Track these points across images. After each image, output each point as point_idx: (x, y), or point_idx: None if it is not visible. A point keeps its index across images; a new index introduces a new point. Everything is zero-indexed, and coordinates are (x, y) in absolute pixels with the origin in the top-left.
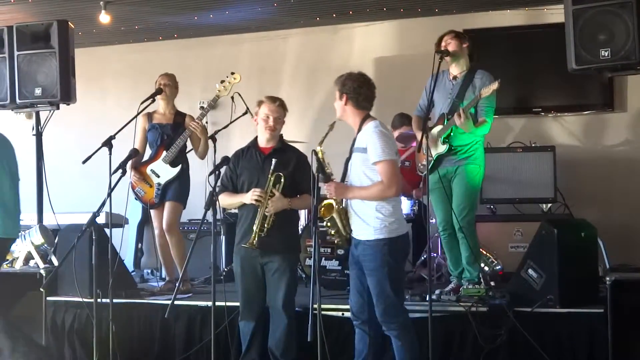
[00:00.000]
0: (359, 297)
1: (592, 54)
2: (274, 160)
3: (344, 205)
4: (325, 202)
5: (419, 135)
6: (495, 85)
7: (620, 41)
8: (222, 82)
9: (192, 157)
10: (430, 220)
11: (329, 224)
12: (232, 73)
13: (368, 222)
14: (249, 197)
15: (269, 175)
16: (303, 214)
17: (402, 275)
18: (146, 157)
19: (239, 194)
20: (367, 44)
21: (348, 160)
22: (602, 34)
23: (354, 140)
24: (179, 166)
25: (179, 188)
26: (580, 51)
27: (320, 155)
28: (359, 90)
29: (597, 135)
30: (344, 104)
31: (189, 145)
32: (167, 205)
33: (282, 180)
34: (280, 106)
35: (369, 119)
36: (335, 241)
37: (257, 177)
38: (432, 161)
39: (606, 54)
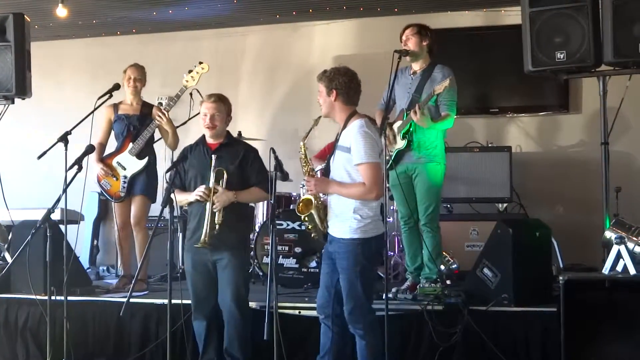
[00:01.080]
0: (326, 291)
1: (548, 56)
2: (213, 157)
3: (322, 200)
4: (304, 197)
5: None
6: (446, 83)
7: (575, 44)
8: (190, 72)
9: (159, 149)
10: (388, 219)
11: (306, 219)
12: (200, 63)
13: (345, 221)
14: (194, 195)
15: (211, 172)
16: (261, 211)
17: (374, 276)
18: (112, 149)
19: (187, 192)
20: (327, 42)
21: (331, 156)
22: (558, 37)
23: (338, 136)
24: (146, 158)
25: (146, 181)
26: (536, 53)
27: (303, 150)
28: (349, 84)
29: (553, 136)
30: (333, 99)
31: (157, 137)
32: (136, 200)
33: (225, 175)
34: (217, 102)
35: (356, 116)
36: (312, 235)
37: (205, 173)
38: (392, 157)
39: (562, 57)
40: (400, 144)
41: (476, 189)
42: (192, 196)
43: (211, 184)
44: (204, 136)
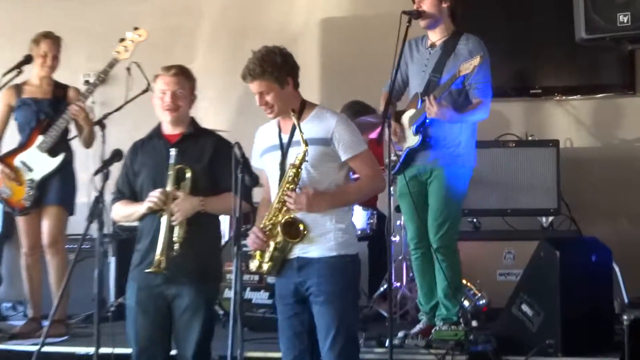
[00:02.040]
0: (297, 343)
1: (607, 19)
2: (172, 152)
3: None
4: (290, 217)
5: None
6: (475, 61)
7: None
8: (122, 40)
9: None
10: (393, 239)
11: (277, 247)
12: (136, 29)
13: (326, 235)
14: (146, 203)
15: (170, 171)
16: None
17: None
18: (15, 143)
19: (137, 202)
20: (311, 1)
21: (284, 158)
22: None
23: (294, 131)
24: (61, 156)
25: (61, 187)
26: (591, 15)
27: (300, 158)
28: (295, 63)
29: (614, 126)
30: (290, 89)
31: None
32: (48, 212)
33: (188, 174)
34: (179, 74)
35: (311, 105)
36: (265, 269)
37: (161, 175)
38: (402, 157)
39: (625, 20)
40: (412, 140)
41: (512, 198)
42: (143, 206)
43: (169, 187)
44: (159, 126)
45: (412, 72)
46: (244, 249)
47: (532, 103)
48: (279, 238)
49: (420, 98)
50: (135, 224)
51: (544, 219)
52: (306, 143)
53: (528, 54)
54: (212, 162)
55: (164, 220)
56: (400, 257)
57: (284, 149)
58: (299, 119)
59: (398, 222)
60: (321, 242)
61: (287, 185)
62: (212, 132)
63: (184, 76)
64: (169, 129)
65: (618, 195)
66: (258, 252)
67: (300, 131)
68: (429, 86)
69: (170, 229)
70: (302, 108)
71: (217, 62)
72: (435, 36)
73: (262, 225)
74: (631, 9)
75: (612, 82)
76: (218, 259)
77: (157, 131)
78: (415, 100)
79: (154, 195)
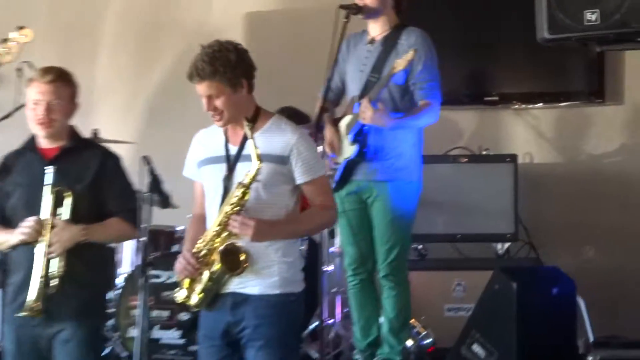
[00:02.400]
0: None
1: (573, 17)
2: (49, 169)
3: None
4: (230, 245)
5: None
6: (409, 55)
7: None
8: (4, 41)
9: None
10: (326, 268)
11: (212, 277)
12: (20, 28)
13: (269, 269)
14: (17, 233)
15: (47, 193)
16: (126, 256)
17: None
18: None
19: (8, 229)
20: None
21: (230, 173)
22: None
23: (245, 142)
24: None
25: None
26: (555, 13)
27: (251, 176)
28: (251, 63)
29: (580, 138)
30: (245, 92)
31: None
32: None
33: (68, 198)
34: (55, 81)
35: (267, 113)
36: (194, 302)
37: (38, 197)
38: (339, 171)
39: (594, 18)
40: (349, 151)
41: (463, 221)
42: (14, 236)
43: (45, 213)
44: (33, 138)
45: (350, 72)
46: (155, 279)
47: (487, 112)
48: (216, 267)
49: (357, 102)
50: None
51: (499, 246)
52: (260, 160)
53: (483, 56)
54: (97, 180)
55: (39, 251)
56: (334, 290)
57: (231, 162)
58: (253, 130)
59: (332, 249)
60: (263, 277)
61: (232, 206)
62: (97, 144)
63: (62, 83)
64: (45, 142)
65: (584, 219)
66: (187, 280)
67: (255, 146)
68: (367, 88)
69: (47, 263)
70: (255, 116)
71: (124, 61)
72: (376, 30)
73: (195, 250)
74: (600, 5)
75: (579, 89)
76: (104, 291)
77: (31, 144)
78: (352, 104)
79: (27, 226)
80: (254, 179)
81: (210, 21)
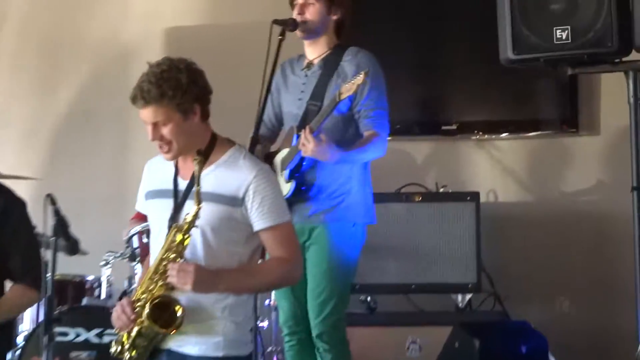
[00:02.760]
0: None
1: (541, 34)
2: None
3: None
4: (166, 297)
5: None
6: (360, 79)
7: (586, 14)
8: None
9: None
10: (260, 324)
11: (140, 332)
12: None
13: (214, 328)
14: None
15: None
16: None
17: None
18: None
19: None
20: (151, 5)
21: (177, 212)
22: (557, 1)
23: (196, 177)
24: None
25: None
26: (521, 30)
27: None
28: (206, 86)
29: (551, 173)
30: (196, 120)
31: None
32: None
33: None
34: None
35: (225, 143)
36: (125, 358)
37: None
38: None
39: (564, 36)
40: (284, 189)
41: (418, 269)
42: None
43: None
44: None
45: (287, 101)
46: (61, 337)
47: (444, 143)
48: (145, 322)
49: (296, 133)
50: None
51: (459, 297)
52: (199, 201)
53: (439, 79)
54: None
55: None
56: (270, 349)
57: (179, 199)
58: (202, 164)
59: (267, 302)
60: (205, 336)
61: (168, 252)
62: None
63: None
64: None
65: (557, 266)
66: (125, 333)
67: (197, 183)
68: (306, 117)
69: None
70: (210, 147)
71: (24, 83)
72: (313, 52)
73: (134, 297)
74: (572, 22)
75: (549, 117)
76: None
77: None
78: (290, 136)
79: None
80: (192, 224)
81: (123, 38)
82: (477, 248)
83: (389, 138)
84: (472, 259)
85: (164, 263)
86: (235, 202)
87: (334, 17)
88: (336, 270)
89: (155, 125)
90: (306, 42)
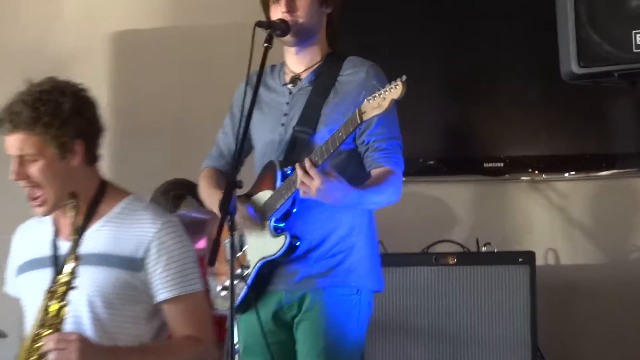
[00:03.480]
0: None
1: (615, 41)
2: None
3: None
4: None
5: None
6: (396, 92)
7: None
8: None
9: None
10: None
11: None
12: None
13: None
14: None
15: None
16: None
17: None
18: None
19: None
20: (93, 6)
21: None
22: None
23: (81, 236)
24: None
25: None
26: (588, 35)
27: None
28: (99, 124)
29: (628, 226)
30: (81, 160)
31: None
32: None
33: None
34: None
35: (118, 192)
36: None
37: None
38: (250, 279)
39: None
40: (271, 246)
41: (453, 354)
42: None
43: None
44: None
45: (261, 125)
46: None
47: (487, 186)
48: None
49: (280, 169)
50: None
51: None
52: (76, 258)
53: (478, 102)
54: None
55: None
56: None
57: (60, 266)
58: (87, 214)
59: None
60: None
61: (43, 329)
62: None
63: None
64: None
65: (634, 346)
66: None
67: (77, 234)
68: (294, 148)
69: None
70: (99, 196)
71: None
72: (301, 63)
73: None
74: None
75: (627, 151)
76: None
77: None
78: (269, 173)
79: None
80: (69, 285)
81: (54, 46)
82: (532, 325)
83: (412, 179)
84: (525, 340)
85: (37, 339)
86: (134, 265)
87: (327, 11)
88: (335, 352)
89: (22, 160)
90: (291, 50)
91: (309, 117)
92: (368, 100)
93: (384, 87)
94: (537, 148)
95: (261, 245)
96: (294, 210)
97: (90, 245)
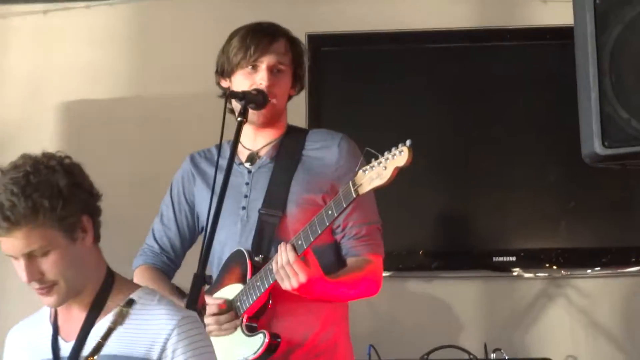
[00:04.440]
0: None
1: None
2: None
3: None
4: None
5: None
6: (403, 157)
7: None
8: None
9: None
10: None
11: None
12: None
13: None
14: None
15: None
16: None
17: None
18: None
19: None
20: (36, 77)
21: None
22: None
23: (87, 333)
24: None
25: None
26: (614, 110)
27: None
28: (96, 195)
29: None
30: (91, 241)
31: None
32: None
33: None
34: None
35: (127, 283)
36: None
37: None
38: None
39: None
40: (249, 346)
41: None
42: None
43: None
44: None
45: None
46: None
47: (496, 283)
48: None
49: (249, 259)
50: None
51: None
52: (92, 354)
53: (486, 187)
54: None
55: None
56: None
57: None
58: (93, 308)
59: None
60: None
61: None
62: None
63: None
64: None
65: None
66: None
67: (103, 339)
68: (262, 233)
69: None
70: (107, 287)
71: None
72: (260, 140)
73: None
74: None
75: None
76: None
77: None
78: (236, 264)
79: None
80: None
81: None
82: None
83: (411, 275)
84: None
85: None
86: None
87: (292, 93)
88: None
89: (31, 258)
90: (251, 126)
91: (276, 197)
92: (364, 170)
93: (379, 157)
94: (555, 240)
95: (232, 347)
96: (267, 303)
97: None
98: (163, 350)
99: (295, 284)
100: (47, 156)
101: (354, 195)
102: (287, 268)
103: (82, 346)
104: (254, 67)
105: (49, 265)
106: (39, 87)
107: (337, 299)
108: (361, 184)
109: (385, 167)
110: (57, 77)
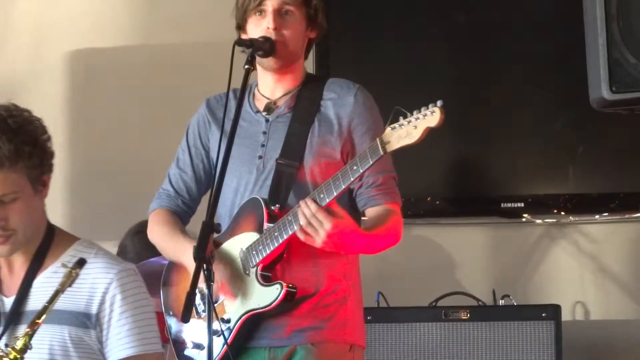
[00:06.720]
0: None
1: None
2: None
3: None
4: None
5: (182, 269)
6: (435, 118)
7: None
8: None
9: None
10: None
11: None
12: None
13: None
14: None
15: None
16: None
17: None
18: None
19: None
20: (42, 24)
21: None
22: None
23: (27, 288)
24: None
25: None
26: (622, 55)
27: None
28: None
29: None
30: (45, 193)
31: None
32: None
33: None
34: None
35: (66, 236)
36: None
37: None
38: (229, 334)
39: None
40: (265, 296)
41: None
42: None
43: None
44: None
45: (232, 157)
46: None
47: (504, 230)
48: None
49: (266, 207)
50: None
51: None
52: (38, 319)
53: (493, 133)
54: None
55: None
56: None
57: (7, 324)
58: (33, 263)
59: None
60: None
61: None
62: None
63: None
64: None
65: None
66: None
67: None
68: (279, 184)
69: None
70: (47, 241)
71: None
72: (278, 88)
73: None
74: None
75: None
76: None
77: None
78: (251, 213)
79: None
80: (23, 352)
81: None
82: None
83: (419, 221)
84: None
85: None
86: (87, 321)
87: (311, 35)
88: None
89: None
90: (267, 74)
91: (293, 148)
92: (392, 128)
93: (407, 115)
94: (563, 186)
95: (246, 296)
96: (285, 253)
97: (37, 300)
98: (102, 303)
99: (322, 234)
100: (18, 108)
101: (382, 153)
102: (312, 220)
103: (23, 301)
104: (262, 13)
105: (14, 212)
106: (45, 37)
107: (364, 251)
108: (389, 142)
109: (416, 127)
110: (63, 26)
